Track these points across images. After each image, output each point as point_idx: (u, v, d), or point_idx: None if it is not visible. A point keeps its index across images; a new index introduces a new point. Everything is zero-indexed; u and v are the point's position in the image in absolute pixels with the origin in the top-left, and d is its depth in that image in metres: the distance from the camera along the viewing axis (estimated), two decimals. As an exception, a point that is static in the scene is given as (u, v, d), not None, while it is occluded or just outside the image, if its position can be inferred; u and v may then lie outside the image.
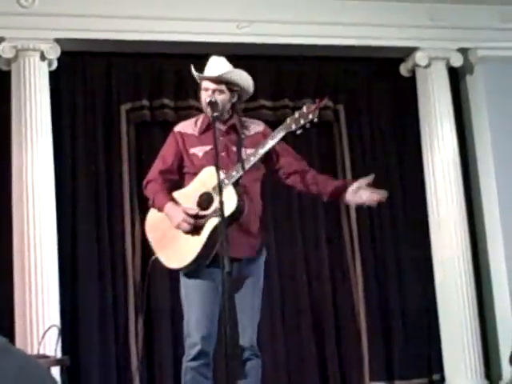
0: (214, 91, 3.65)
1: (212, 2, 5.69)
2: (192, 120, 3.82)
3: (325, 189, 3.66)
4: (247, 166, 3.53)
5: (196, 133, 3.72)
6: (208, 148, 3.62)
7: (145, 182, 3.76)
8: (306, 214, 6.02)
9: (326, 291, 5.92)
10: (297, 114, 3.56)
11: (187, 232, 3.53)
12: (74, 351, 5.14)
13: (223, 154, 3.60)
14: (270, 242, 5.87)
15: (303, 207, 6.01)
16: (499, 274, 5.97)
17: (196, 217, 3.53)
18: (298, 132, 3.55)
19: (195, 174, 3.62)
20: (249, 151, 3.62)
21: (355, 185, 3.55)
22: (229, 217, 3.37)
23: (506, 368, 5.59)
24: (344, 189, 3.57)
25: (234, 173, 3.51)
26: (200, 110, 3.87)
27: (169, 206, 3.59)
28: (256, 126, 3.78)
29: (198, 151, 3.66)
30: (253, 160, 3.55)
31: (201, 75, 3.70)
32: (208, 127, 3.68)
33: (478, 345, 5.77)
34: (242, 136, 3.72)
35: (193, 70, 3.71)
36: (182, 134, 3.73)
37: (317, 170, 5.93)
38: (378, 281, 6.02)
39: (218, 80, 3.66)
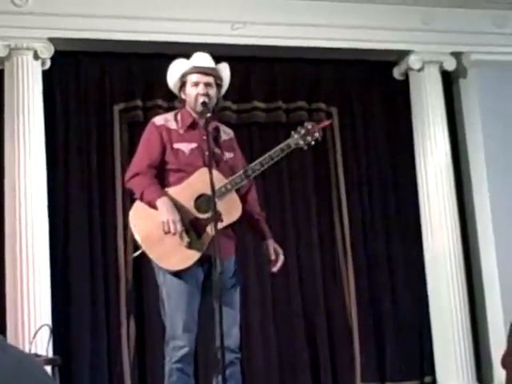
0: (206, 85, 3.61)
1: (206, 3, 5.69)
2: (171, 114, 3.73)
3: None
4: (252, 175, 3.55)
5: (180, 129, 3.63)
6: (194, 146, 3.58)
7: (130, 175, 3.61)
8: (299, 214, 6.02)
9: (318, 292, 5.91)
10: (302, 131, 3.62)
11: (187, 233, 3.43)
12: (65, 350, 5.12)
13: (207, 153, 3.55)
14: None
15: (296, 207, 6.01)
16: (491, 275, 5.98)
17: (196, 219, 3.46)
18: (305, 148, 3.65)
19: (179, 170, 3.55)
20: (227, 155, 3.65)
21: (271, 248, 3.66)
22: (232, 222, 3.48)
23: (498, 370, 5.60)
24: (263, 236, 3.70)
25: (237, 179, 3.51)
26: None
27: (164, 200, 3.46)
28: (225, 132, 3.77)
29: (184, 148, 3.57)
30: (258, 170, 3.55)
31: (198, 65, 3.65)
32: (193, 125, 3.64)
33: (469, 347, 5.78)
34: (223, 138, 3.72)
35: (184, 61, 3.67)
36: (166, 128, 3.61)
37: (310, 173, 6.04)
38: (370, 281, 6.02)
39: (209, 73, 3.63)
